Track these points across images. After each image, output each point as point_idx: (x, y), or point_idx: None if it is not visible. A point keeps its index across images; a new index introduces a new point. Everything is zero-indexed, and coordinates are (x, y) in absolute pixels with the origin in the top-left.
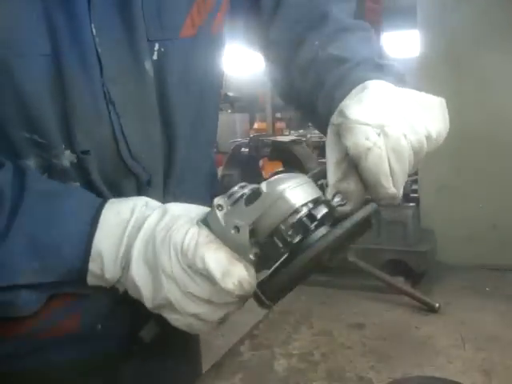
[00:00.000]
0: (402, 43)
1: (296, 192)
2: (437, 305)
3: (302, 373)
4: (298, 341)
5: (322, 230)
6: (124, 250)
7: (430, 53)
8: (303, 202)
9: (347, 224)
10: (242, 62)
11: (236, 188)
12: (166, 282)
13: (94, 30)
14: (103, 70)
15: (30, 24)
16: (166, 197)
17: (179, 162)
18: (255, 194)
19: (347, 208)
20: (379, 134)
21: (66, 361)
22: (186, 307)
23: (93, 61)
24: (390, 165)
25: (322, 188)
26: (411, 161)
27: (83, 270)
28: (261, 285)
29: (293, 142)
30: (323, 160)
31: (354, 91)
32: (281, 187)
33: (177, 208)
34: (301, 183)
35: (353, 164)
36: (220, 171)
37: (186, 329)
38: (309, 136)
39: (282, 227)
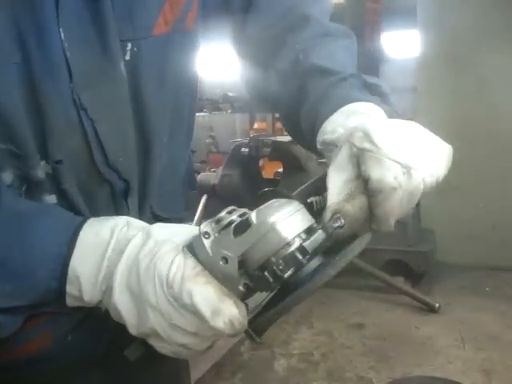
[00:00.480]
0: (402, 43)
1: (288, 223)
2: (437, 305)
3: (301, 373)
4: (298, 341)
5: (316, 262)
6: (105, 273)
7: (430, 53)
8: (295, 233)
9: (341, 263)
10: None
11: (223, 213)
12: (151, 313)
13: (62, 35)
14: (72, 76)
15: None
16: (143, 202)
17: (157, 165)
18: (244, 224)
19: (344, 231)
20: (404, 174)
21: (35, 374)
22: (173, 338)
23: (61, 66)
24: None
25: (312, 207)
26: None
27: (61, 292)
28: (251, 322)
29: (293, 142)
30: (323, 160)
31: (342, 109)
32: (272, 219)
33: (161, 232)
34: (292, 212)
35: (361, 189)
36: (220, 171)
37: (173, 355)
38: None
39: (273, 260)
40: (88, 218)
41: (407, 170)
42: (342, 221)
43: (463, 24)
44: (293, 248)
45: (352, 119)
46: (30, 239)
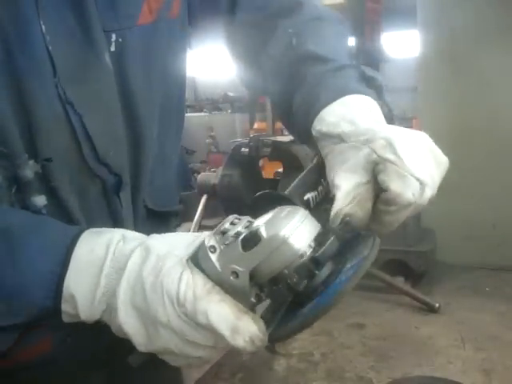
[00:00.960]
0: (402, 43)
1: (298, 234)
2: (437, 305)
3: (301, 373)
4: (298, 341)
5: (327, 269)
6: (103, 291)
7: (430, 53)
8: (307, 243)
9: (359, 273)
10: None
11: (227, 225)
12: (162, 331)
13: (43, 27)
14: (56, 70)
15: None
16: (135, 196)
17: (149, 158)
18: (254, 238)
19: (351, 234)
20: (419, 190)
21: (36, 377)
22: (188, 353)
23: (44, 61)
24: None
25: (309, 204)
26: None
27: (56, 310)
28: (271, 336)
29: (293, 142)
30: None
31: (342, 100)
32: (283, 232)
33: (160, 245)
34: (301, 221)
35: (370, 194)
36: (220, 171)
37: (185, 367)
38: None
39: (286, 272)
40: (81, 230)
41: (422, 186)
42: (353, 225)
43: (463, 24)
44: (305, 259)
45: (359, 117)
46: (21, 260)
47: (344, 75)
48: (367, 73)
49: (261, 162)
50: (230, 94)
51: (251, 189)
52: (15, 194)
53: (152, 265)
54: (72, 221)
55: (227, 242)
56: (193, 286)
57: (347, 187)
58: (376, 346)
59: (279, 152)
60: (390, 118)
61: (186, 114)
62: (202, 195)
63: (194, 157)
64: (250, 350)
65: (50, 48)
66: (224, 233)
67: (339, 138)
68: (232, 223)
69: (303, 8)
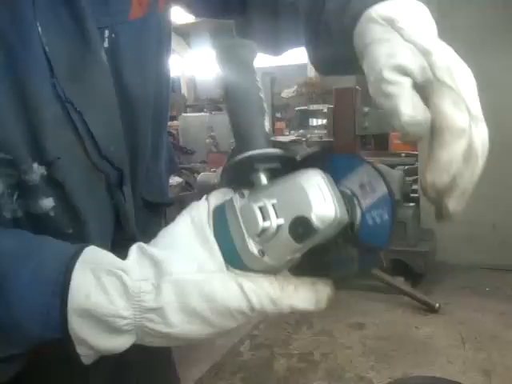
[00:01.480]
0: None
1: (338, 203)
2: (437, 305)
3: (301, 373)
4: (298, 341)
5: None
6: (127, 325)
7: None
8: (344, 205)
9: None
10: None
11: (261, 223)
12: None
13: (39, 29)
14: (54, 70)
15: None
16: (134, 189)
17: (145, 152)
18: (307, 230)
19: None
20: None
21: (35, 374)
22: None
23: (41, 62)
24: None
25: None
26: None
27: (65, 336)
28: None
29: (293, 141)
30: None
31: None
32: (333, 215)
33: (174, 265)
34: (331, 187)
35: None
36: (220, 171)
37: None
38: (309, 136)
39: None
40: (81, 210)
41: (475, 122)
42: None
43: (464, 24)
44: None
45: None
46: (10, 293)
47: None
48: None
49: None
50: None
51: None
52: (18, 201)
53: (198, 293)
54: (79, 219)
55: (271, 237)
56: (262, 292)
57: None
58: (376, 346)
59: None
60: None
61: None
62: (202, 195)
63: (193, 157)
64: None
65: (47, 49)
66: (263, 231)
67: (392, 27)
68: (264, 218)
69: None
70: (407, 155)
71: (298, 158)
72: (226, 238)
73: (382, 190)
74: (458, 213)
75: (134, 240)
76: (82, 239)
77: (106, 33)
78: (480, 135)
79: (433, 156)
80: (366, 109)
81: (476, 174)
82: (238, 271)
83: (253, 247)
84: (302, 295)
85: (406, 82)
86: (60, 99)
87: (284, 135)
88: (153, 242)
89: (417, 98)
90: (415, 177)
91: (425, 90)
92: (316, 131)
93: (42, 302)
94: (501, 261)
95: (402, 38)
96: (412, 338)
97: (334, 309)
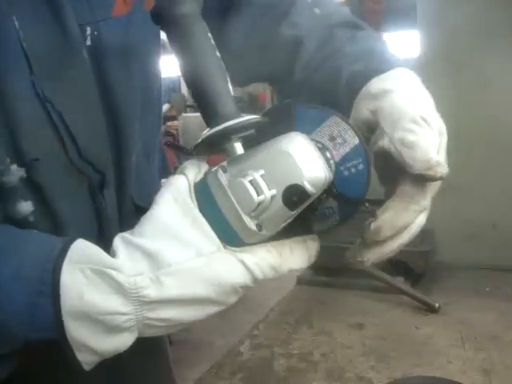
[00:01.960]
0: (402, 43)
1: (323, 164)
2: (437, 305)
3: (301, 373)
4: (298, 341)
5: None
6: (129, 320)
7: (430, 53)
8: (326, 165)
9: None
10: None
11: (255, 199)
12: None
13: (16, 23)
14: (32, 67)
15: None
16: (122, 193)
17: (132, 153)
18: (301, 197)
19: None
20: None
21: (33, 373)
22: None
23: (19, 58)
24: None
25: None
26: None
27: (62, 341)
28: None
29: None
30: None
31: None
32: (323, 176)
33: (170, 255)
34: (314, 148)
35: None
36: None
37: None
38: None
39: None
40: (62, 216)
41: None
42: None
43: (463, 24)
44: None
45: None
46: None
47: (385, 45)
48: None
49: None
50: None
51: None
52: None
53: (201, 279)
54: (59, 225)
55: (265, 210)
56: (263, 263)
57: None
58: (376, 346)
59: None
60: None
61: (186, 114)
62: None
63: (193, 157)
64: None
65: (25, 45)
66: (259, 203)
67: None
68: (256, 189)
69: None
70: None
71: (265, 112)
72: (217, 217)
73: (353, 140)
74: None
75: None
76: None
77: (88, 30)
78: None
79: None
80: None
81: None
82: (235, 248)
83: (250, 223)
84: (297, 255)
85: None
86: (39, 98)
87: None
88: (137, 230)
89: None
90: None
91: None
92: None
93: (26, 301)
94: (501, 261)
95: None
96: (412, 337)
97: (333, 309)
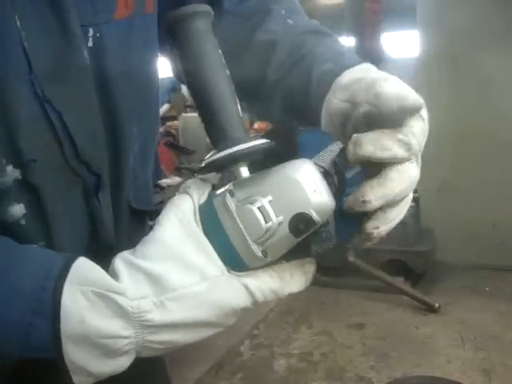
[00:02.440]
0: (402, 43)
1: (328, 191)
2: (436, 305)
3: (302, 373)
4: (298, 341)
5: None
6: (130, 343)
7: (430, 53)
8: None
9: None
10: None
11: (264, 226)
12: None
13: (18, 23)
14: (32, 67)
15: None
16: (118, 196)
17: (129, 157)
18: (307, 225)
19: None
20: None
21: (32, 371)
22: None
23: (19, 58)
24: None
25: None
26: None
27: (59, 364)
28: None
29: None
30: None
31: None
32: (330, 204)
33: (174, 278)
34: (321, 177)
35: None
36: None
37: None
38: None
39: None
40: (53, 219)
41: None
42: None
43: (463, 24)
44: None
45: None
46: None
47: (351, 49)
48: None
49: None
50: None
51: None
52: None
53: (205, 303)
54: (51, 227)
55: (271, 236)
56: (265, 287)
57: None
58: (376, 346)
59: None
60: None
61: (186, 114)
62: None
63: (193, 157)
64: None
65: (26, 44)
66: (267, 230)
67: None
68: (263, 216)
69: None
70: None
71: (267, 132)
72: (223, 241)
73: (355, 167)
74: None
75: (111, 248)
76: (53, 248)
77: (91, 31)
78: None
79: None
80: None
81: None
82: (239, 272)
83: (257, 250)
84: (297, 279)
85: None
86: (38, 98)
87: None
88: (139, 250)
89: None
90: None
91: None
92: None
93: (21, 319)
94: (501, 261)
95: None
96: (412, 337)
97: (334, 309)
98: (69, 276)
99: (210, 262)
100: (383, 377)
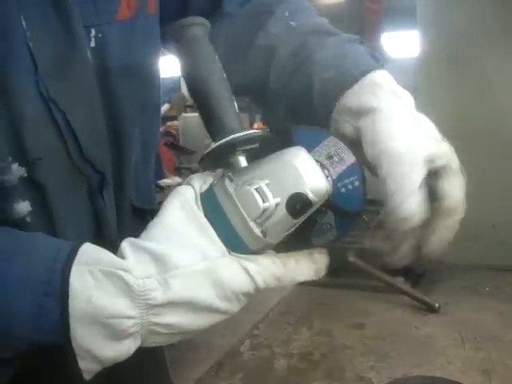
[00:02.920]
0: (402, 43)
1: (322, 175)
2: (436, 305)
3: (301, 373)
4: (298, 341)
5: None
6: (135, 325)
7: (430, 53)
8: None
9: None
10: None
11: (261, 205)
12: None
13: (23, 23)
14: (38, 67)
15: None
16: (120, 195)
17: (132, 156)
18: (304, 205)
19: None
20: None
21: (34, 370)
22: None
23: (24, 58)
24: None
25: None
26: None
27: (67, 346)
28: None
29: None
30: None
31: (372, 78)
32: (325, 187)
33: (177, 258)
34: (316, 163)
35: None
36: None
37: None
38: None
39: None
40: (58, 220)
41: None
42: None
43: (463, 24)
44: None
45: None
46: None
47: (360, 48)
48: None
49: None
50: None
51: None
52: None
53: (206, 282)
54: (56, 225)
55: (269, 217)
56: (266, 272)
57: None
58: (376, 346)
59: None
60: None
61: (186, 114)
62: None
63: (193, 157)
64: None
65: (31, 44)
66: (265, 210)
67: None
68: (261, 197)
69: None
70: None
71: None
72: (223, 223)
73: (350, 159)
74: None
75: (114, 246)
76: None
77: (93, 32)
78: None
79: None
80: None
81: None
82: (239, 254)
83: (256, 229)
84: (303, 267)
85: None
86: (43, 97)
87: None
88: (144, 235)
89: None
90: None
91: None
92: None
93: (33, 302)
94: (501, 261)
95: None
96: (412, 337)
97: (333, 309)
98: (76, 258)
99: (211, 243)
100: (383, 377)
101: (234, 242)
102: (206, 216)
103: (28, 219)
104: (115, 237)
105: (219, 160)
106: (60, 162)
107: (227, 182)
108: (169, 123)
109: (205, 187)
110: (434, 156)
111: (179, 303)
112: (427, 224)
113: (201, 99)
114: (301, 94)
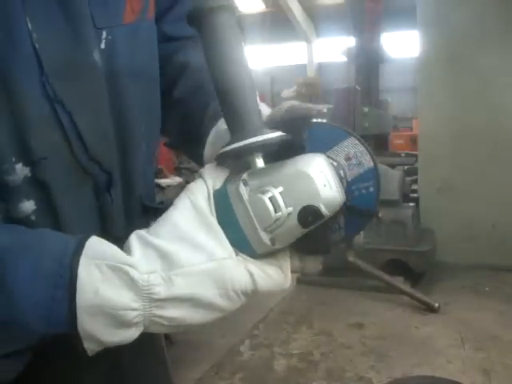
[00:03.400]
0: (402, 43)
1: (338, 185)
2: (436, 305)
3: (301, 373)
4: (298, 341)
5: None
6: (138, 316)
7: (430, 53)
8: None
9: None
10: None
11: (273, 216)
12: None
13: (29, 24)
14: (44, 68)
15: None
16: (129, 193)
17: (137, 156)
18: (315, 217)
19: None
20: None
21: (38, 369)
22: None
23: (30, 59)
24: None
25: None
26: None
27: (73, 332)
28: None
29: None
30: None
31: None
32: (340, 200)
33: (183, 256)
34: (333, 172)
35: None
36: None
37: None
38: None
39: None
40: (64, 217)
41: None
42: None
43: (463, 24)
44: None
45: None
46: (13, 285)
47: None
48: None
49: None
50: None
51: None
52: None
53: (210, 282)
54: (61, 223)
55: (280, 226)
56: (269, 280)
57: None
58: (376, 346)
59: None
60: None
61: None
62: None
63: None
64: None
65: (37, 46)
66: (276, 220)
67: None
68: (274, 206)
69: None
70: (407, 155)
71: (278, 121)
72: (234, 227)
73: (368, 163)
74: None
75: (119, 242)
76: None
77: (104, 34)
78: None
79: None
80: (366, 109)
81: None
82: (246, 257)
83: (265, 238)
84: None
85: None
86: (49, 98)
87: None
88: (153, 230)
89: None
90: (415, 177)
91: None
92: None
93: (46, 295)
94: (501, 261)
95: None
96: (412, 337)
97: (334, 309)
98: (83, 251)
99: (219, 244)
100: (383, 377)
101: (242, 244)
102: (217, 216)
103: (33, 217)
104: (120, 232)
105: (236, 158)
106: (65, 161)
107: (241, 186)
108: None
109: (218, 184)
110: None
111: (181, 299)
112: None
113: (222, 89)
114: (195, 114)
